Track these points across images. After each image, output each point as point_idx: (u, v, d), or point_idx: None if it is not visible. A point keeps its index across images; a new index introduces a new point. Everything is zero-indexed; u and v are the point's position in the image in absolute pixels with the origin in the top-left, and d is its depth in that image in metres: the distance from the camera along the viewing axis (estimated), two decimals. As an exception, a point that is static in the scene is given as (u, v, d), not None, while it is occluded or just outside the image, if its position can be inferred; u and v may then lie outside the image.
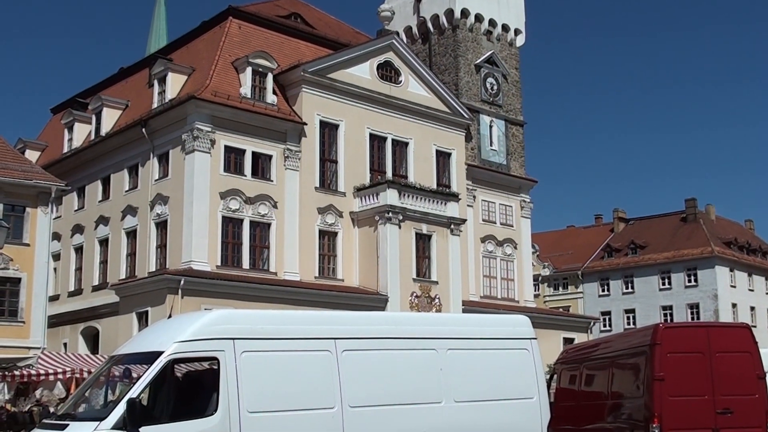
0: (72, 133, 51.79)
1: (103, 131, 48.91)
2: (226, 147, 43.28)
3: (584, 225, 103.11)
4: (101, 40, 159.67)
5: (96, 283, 47.56)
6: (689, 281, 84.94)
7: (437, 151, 51.76)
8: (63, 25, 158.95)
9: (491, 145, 56.22)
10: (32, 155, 52.21)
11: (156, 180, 44.43)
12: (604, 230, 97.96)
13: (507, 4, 59.33)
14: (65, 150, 51.68)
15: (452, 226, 48.41)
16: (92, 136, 50.06)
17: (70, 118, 51.94)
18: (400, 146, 50.25)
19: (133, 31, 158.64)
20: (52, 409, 30.63)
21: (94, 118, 50.24)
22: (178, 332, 14.71)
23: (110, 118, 49.32)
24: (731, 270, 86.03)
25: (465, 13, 56.60)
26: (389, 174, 48.70)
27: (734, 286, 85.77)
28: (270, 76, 45.79)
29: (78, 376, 33.64)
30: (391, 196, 46.05)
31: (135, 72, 52.51)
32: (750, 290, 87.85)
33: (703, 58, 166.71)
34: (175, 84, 45.58)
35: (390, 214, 45.63)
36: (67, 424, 14.07)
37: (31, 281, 38.40)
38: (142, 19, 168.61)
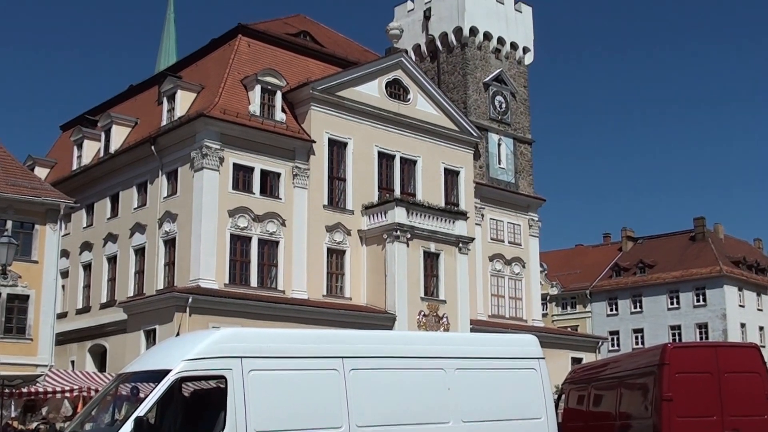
0: (81, 150, 51.91)
1: (113, 148, 49.02)
2: (234, 165, 43.33)
3: (592, 244, 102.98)
4: (111, 58, 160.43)
5: (104, 300, 47.57)
6: (698, 301, 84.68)
7: (445, 169, 51.75)
8: (73, 42, 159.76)
9: (500, 164, 56.22)
10: (41, 172, 52.33)
11: (164, 197, 44.49)
12: (613, 249, 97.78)
13: (516, 22, 59.45)
14: (74, 167, 51.80)
15: (460, 245, 48.34)
16: (101, 154, 50.17)
17: (80, 135, 52.07)
18: (408, 164, 50.26)
19: (142, 48, 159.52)
20: (59, 427, 30.63)
21: (103, 135, 50.36)
22: (186, 350, 14.69)
23: (119, 135, 49.44)
24: (740, 289, 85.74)
25: (474, 31, 56.71)
26: (397, 192, 48.70)
27: (743, 306, 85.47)
28: (279, 94, 45.87)
29: (85, 394, 33.56)
30: (399, 215, 46.02)
31: (144, 89, 52.68)
32: (759, 310, 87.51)
33: (711, 76, 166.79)
34: (184, 101, 45.70)
35: (398, 233, 45.59)
36: (75, 442, 14.06)
37: (39, 298, 38.41)
38: (151, 36, 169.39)
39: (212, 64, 47.99)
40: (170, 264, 43.71)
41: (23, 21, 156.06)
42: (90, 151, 51.43)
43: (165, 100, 46.64)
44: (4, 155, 40.31)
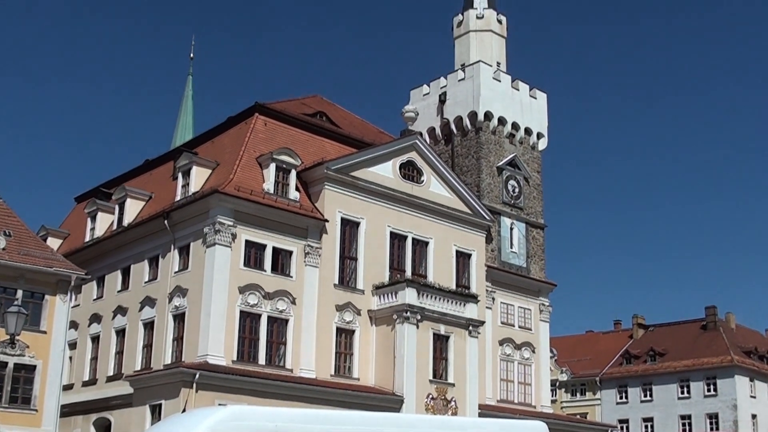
0: (95, 222, 52.14)
1: (126, 222, 49.24)
2: (246, 242, 43.43)
3: (603, 330, 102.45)
4: (128, 132, 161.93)
5: (111, 373, 47.34)
6: (708, 390, 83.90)
7: (457, 251, 51.74)
8: (90, 115, 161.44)
9: (511, 248, 56.25)
10: (54, 243, 52.53)
11: (176, 272, 44.53)
12: (623, 336, 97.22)
13: (530, 107, 60.00)
14: (87, 239, 51.98)
15: (470, 328, 48.13)
16: (114, 226, 50.37)
17: (94, 208, 52.35)
18: (420, 245, 50.29)
19: (159, 124, 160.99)
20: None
21: (117, 208, 50.59)
22: (192, 428, 14.62)
23: (133, 208, 49.67)
24: (751, 380, 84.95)
25: (488, 116, 57.22)
26: (408, 273, 48.64)
27: (754, 397, 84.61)
28: (293, 173, 46.15)
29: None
30: (409, 296, 45.91)
31: (160, 164, 53.07)
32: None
33: (724, 163, 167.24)
34: (199, 177, 46.02)
35: (408, 314, 45.44)
36: None
37: (46, 369, 38.23)
38: (169, 112, 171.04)
39: (228, 141, 48.40)
40: (179, 339, 43.57)
41: (44, 91, 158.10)
42: (103, 223, 51.66)
43: (180, 175, 46.95)
44: (17, 224, 40.48)
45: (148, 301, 45.78)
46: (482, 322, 49.47)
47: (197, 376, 38.96)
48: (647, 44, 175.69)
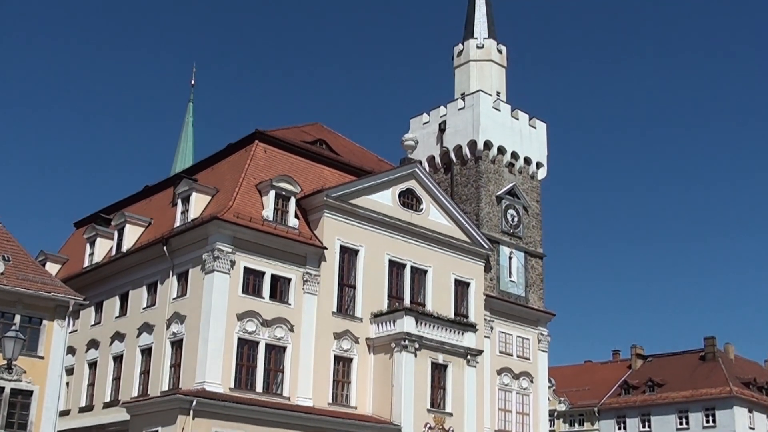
0: (94, 247, 52.10)
1: (125, 247, 49.21)
2: (245, 268, 43.39)
3: (602, 360, 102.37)
4: (128, 158, 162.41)
5: (108, 399, 47.18)
6: (707, 421, 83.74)
7: (456, 280, 51.69)
8: (91, 141, 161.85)
9: (510, 277, 56.20)
10: (53, 268, 52.48)
11: (174, 298, 44.47)
12: (622, 366, 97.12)
13: (530, 137, 60.11)
14: (86, 264, 51.93)
15: (469, 357, 48.03)
16: (113, 252, 50.34)
17: (93, 233, 52.32)
18: (419, 274, 50.24)
19: (159, 150, 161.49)
20: None
21: (116, 234, 50.56)
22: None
23: (132, 234, 49.65)
24: (750, 411, 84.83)
25: (488, 145, 57.32)
26: (407, 301, 48.59)
27: (753, 428, 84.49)
28: (293, 200, 46.18)
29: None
30: (408, 324, 45.83)
31: (159, 190, 53.14)
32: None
33: (723, 201, 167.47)
34: (198, 204, 46.03)
35: (406, 342, 45.33)
36: None
37: (42, 395, 38.05)
38: (169, 138, 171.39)
39: (228, 168, 48.45)
40: (176, 365, 43.43)
41: (44, 116, 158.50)
42: (102, 249, 51.63)
43: (179, 201, 46.98)
44: (16, 249, 40.43)
45: (146, 327, 45.68)
46: (480, 352, 49.37)
47: (194, 403, 38.83)
48: (646, 76, 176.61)
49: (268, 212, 45.07)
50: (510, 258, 56.50)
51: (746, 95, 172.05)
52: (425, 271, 50.39)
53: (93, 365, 49.29)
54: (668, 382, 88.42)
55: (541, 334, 57.22)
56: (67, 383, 48.39)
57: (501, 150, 58.10)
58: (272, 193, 45.47)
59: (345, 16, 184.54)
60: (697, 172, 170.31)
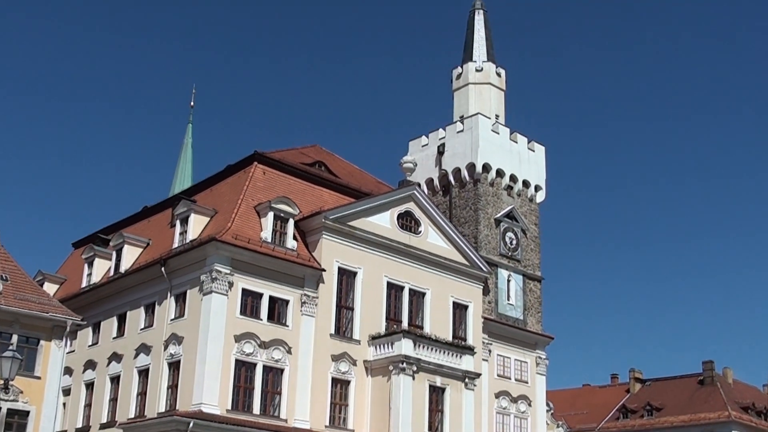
0: (92, 268, 52.09)
1: (123, 268, 49.20)
2: (243, 290, 43.38)
3: (600, 384, 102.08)
4: (127, 179, 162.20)
5: (104, 420, 47.05)
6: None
7: (454, 302, 51.65)
8: (90, 162, 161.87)
9: (508, 300, 56.19)
10: (50, 288, 52.46)
11: (172, 319, 44.42)
12: (620, 390, 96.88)
13: (528, 160, 60.25)
14: (84, 284, 51.91)
15: (467, 380, 47.91)
16: (111, 273, 50.33)
17: (91, 254, 52.32)
18: (417, 296, 50.22)
19: (158, 171, 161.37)
20: None
21: (114, 254, 50.57)
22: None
23: (131, 255, 49.67)
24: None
25: (487, 168, 57.44)
26: (405, 323, 48.51)
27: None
28: (291, 222, 46.21)
29: None
30: (406, 346, 45.74)
31: (158, 211, 53.21)
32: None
33: (720, 224, 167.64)
34: (197, 225, 46.06)
35: (404, 365, 45.24)
36: None
37: (39, 415, 37.98)
38: (168, 160, 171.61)
39: (227, 189, 48.52)
40: (173, 387, 43.35)
41: (42, 136, 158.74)
42: (100, 269, 51.62)
43: (178, 222, 47.03)
44: (14, 269, 40.45)
45: (144, 348, 45.61)
46: (478, 375, 49.27)
47: (191, 424, 38.80)
48: (645, 98, 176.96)
49: (267, 234, 45.10)
50: (508, 281, 56.52)
51: (749, 107, 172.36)
52: (423, 294, 50.36)
53: (90, 386, 49.18)
54: (667, 406, 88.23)
55: (540, 357, 57.14)
56: (64, 404, 48.24)
57: (500, 173, 58.25)
58: (271, 214, 45.50)
59: (345, 38, 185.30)
60: (696, 198, 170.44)
